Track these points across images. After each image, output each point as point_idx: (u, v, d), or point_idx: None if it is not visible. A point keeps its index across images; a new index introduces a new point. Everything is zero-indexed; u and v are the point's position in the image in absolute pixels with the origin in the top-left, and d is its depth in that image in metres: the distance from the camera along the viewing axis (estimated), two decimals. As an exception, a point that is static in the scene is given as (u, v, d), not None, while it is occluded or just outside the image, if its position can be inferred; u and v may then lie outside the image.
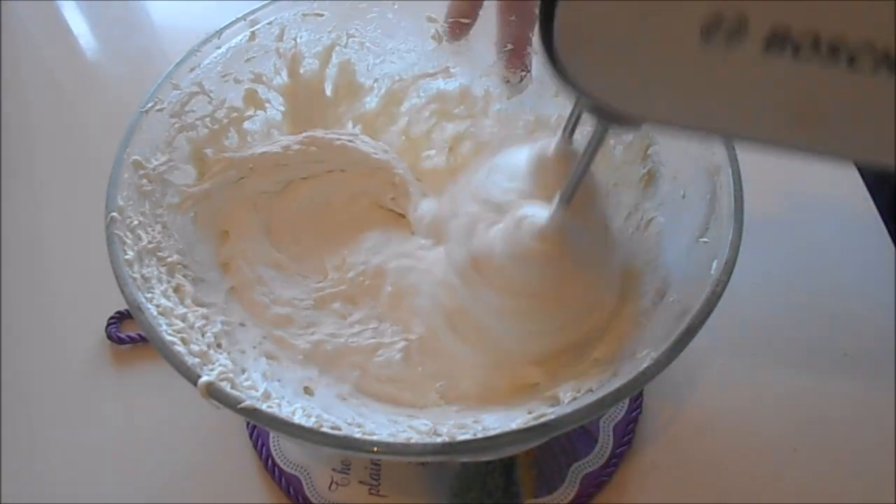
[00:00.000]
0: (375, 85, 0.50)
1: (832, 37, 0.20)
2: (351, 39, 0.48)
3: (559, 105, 0.48)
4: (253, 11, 0.45)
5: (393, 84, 0.50)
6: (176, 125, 0.42)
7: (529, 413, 0.35)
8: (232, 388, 0.32)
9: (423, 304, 0.41)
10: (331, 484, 0.43)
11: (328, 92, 0.49)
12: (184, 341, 0.34)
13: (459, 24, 0.46)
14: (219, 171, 0.44)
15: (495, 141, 0.48)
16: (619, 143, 0.45)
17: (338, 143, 0.47)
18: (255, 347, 0.39)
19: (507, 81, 0.48)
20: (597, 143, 0.30)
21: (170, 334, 0.33)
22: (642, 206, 0.42)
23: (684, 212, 0.39)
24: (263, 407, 0.31)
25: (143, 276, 0.36)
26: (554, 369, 0.38)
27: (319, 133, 0.47)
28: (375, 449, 0.29)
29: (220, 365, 0.34)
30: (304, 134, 0.47)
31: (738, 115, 0.23)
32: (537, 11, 0.22)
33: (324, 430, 0.31)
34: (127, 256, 0.35)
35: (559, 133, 0.37)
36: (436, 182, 0.48)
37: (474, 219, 0.38)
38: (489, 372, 0.39)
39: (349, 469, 0.44)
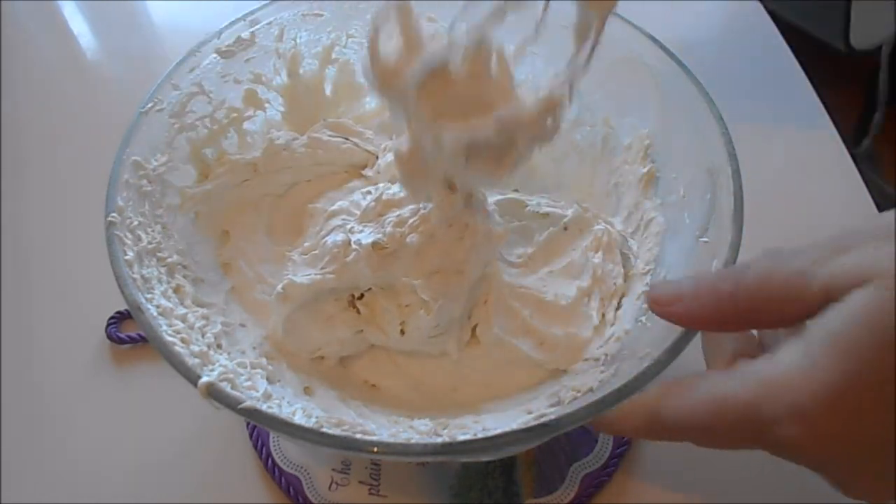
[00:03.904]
0: (375, 85, 0.50)
1: None
2: (351, 39, 0.48)
3: (559, 105, 0.48)
4: (253, 11, 0.45)
5: (393, 84, 0.50)
6: (176, 125, 0.42)
7: (529, 413, 0.35)
8: (232, 388, 0.32)
9: None
10: (331, 484, 0.43)
11: (328, 92, 0.49)
12: (184, 342, 0.34)
13: None
14: (222, 173, 0.44)
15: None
16: (618, 144, 0.45)
17: (344, 146, 0.47)
18: (255, 348, 0.39)
19: None
20: None
21: (170, 335, 0.33)
22: (642, 206, 0.43)
23: (684, 212, 0.39)
24: (264, 407, 0.31)
25: (143, 276, 0.35)
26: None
27: (325, 136, 0.47)
28: (375, 449, 0.29)
29: (220, 365, 0.34)
30: (308, 135, 0.47)
31: None
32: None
33: (324, 430, 0.31)
34: (127, 257, 0.35)
35: None
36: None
37: None
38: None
39: (349, 469, 0.44)
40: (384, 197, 0.41)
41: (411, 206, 0.40)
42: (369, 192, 0.43)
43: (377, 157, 0.47)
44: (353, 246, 0.39)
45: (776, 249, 0.28)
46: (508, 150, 0.35)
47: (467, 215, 0.39)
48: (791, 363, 0.26)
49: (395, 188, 0.42)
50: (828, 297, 0.26)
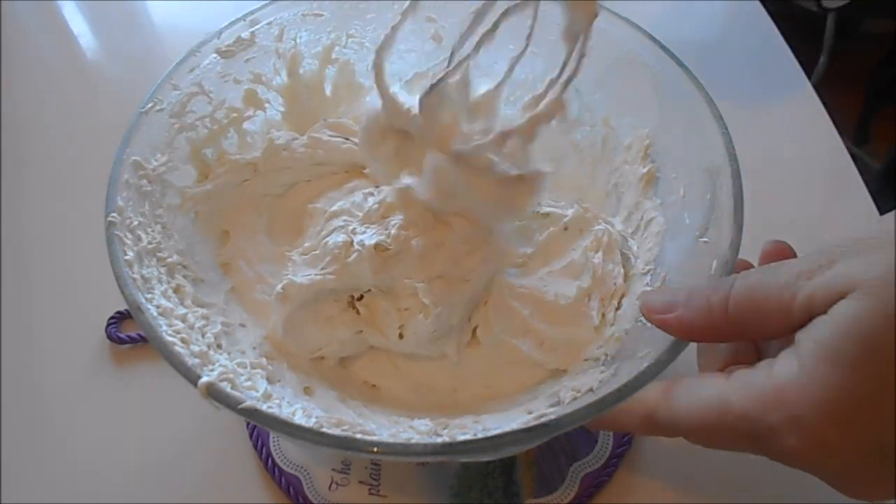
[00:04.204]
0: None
1: None
2: (350, 39, 0.48)
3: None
4: (253, 11, 0.45)
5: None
6: (176, 125, 0.42)
7: (529, 413, 0.35)
8: (232, 388, 0.32)
9: None
10: (331, 484, 0.43)
11: (328, 92, 0.49)
12: (184, 342, 0.34)
13: None
14: (222, 173, 0.44)
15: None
16: (618, 144, 0.45)
17: (345, 146, 0.47)
18: (255, 348, 0.39)
19: None
20: None
21: (170, 335, 0.33)
22: (642, 206, 0.43)
23: (684, 212, 0.39)
24: (264, 407, 0.31)
25: (142, 276, 0.35)
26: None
27: (325, 136, 0.47)
28: (375, 449, 0.29)
29: (220, 365, 0.34)
30: (308, 135, 0.47)
31: None
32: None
33: (324, 430, 0.31)
34: (127, 257, 0.35)
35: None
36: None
37: None
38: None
39: (349, 469, 0.44)
40: (388, 199, 0.41)
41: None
42: (371, 194, 0.43)
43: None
44: (356, 246, 0.39)
45: (764, 266, 0.30)
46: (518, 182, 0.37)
47: (487, 233, 0.40)
48: (788, 376, 0.27)
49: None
50: (812, 310, 0.27)
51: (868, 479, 0.27)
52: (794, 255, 0.36)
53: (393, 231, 0.39)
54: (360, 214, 0.41)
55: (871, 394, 0.25)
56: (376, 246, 0.39)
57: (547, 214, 0.45)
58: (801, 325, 0.27)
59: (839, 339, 0.26)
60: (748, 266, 0.36)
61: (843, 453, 0.26)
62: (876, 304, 0.25)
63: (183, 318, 0.35)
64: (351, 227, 0.41)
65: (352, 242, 0.40)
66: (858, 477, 0.27)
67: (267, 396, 0.34)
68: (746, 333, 0.30)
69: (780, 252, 0.35)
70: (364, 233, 0.40)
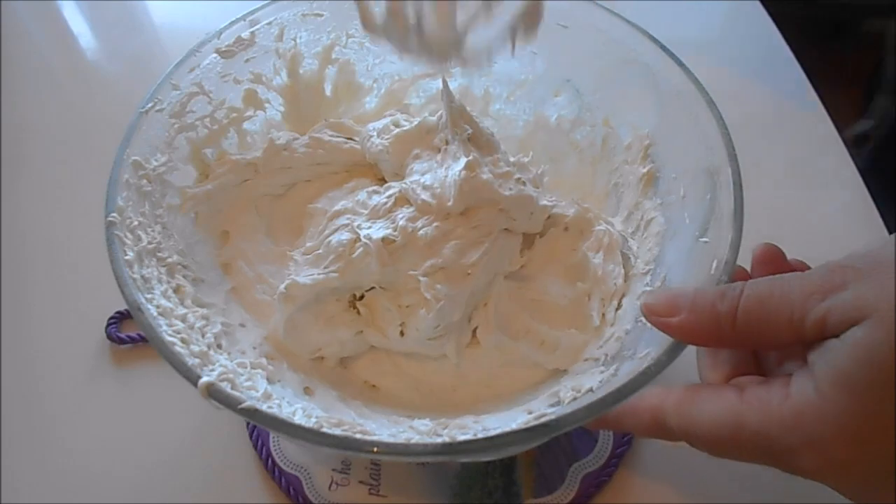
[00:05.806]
0: (375, 85, 0.50)
1: None
2: (350, 39, 0.48)
3: (559, 105, 0.48)
4: (253, 11, 0.45)
5: (392, 84, 0.50)
6: (176, 125, 0.42)
7: (529, 413, 0.35)
8: (232, 388, 0.32)
9: None
10: (331, 484, 0.43)
11: (328, 92, 0.49)
12: (184, 342, 0.34)
13: None
14: (222, 173, 0.44)
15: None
16: (618, 144, 0.45)
17: (346, 146, 0.47)
18: (255, 348, 0.39)
19: None
20: None
21: (170, 335, 0.33)
22: (642, 206, 0.43)
23: (684, 212, 0.39)
24: (264, 407, 0.31)
25: (142, 276, 0.35)
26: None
27: (326, 136, 0.47)
28: (375, 449, 0.29)
29: (220, 365, 0.34)
30: (309, 135, 0.47)
31: None
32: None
33: (324, 430, 0.31)
34: (127, 257, 0.35)
35: None
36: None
37: None
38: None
39: (349, 469, 0.44)
40: (398, 194, 0.41)
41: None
42: (376, 192, 0.43)
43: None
44: (363, 240, 0.39)
45: (772, 277, 0.30)
46: None
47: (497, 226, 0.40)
48: (805, 399, 0.28)
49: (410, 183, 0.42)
50: (825, 331, 0.28)
51: (881, 492, 0.28)
52: (785, 259, 0.36)
53: (401, 223, 0.39)
54: (365, 212, 0.41)
55: (883, 416, 0.26)
56: (384, 239, 0.39)
57: (549, 215, 0.45)
58: (812, 342, 0.28)
59: (853, 366, 0.27)
60: (743, 272, 0.36)
61: (858, 470, 0.28)
62: (886, 334, 0.26)
63: (183, 318, 0.35)
64: (356, 224, 0.41)
65: (357, 238, 0.40)
66: (872, 490, 0.28)
67: (267, 396, 0.34)
68: (752, 343, 0.31)
69: (772, 255, 0.36)
70: (370, 227, 0.40)
